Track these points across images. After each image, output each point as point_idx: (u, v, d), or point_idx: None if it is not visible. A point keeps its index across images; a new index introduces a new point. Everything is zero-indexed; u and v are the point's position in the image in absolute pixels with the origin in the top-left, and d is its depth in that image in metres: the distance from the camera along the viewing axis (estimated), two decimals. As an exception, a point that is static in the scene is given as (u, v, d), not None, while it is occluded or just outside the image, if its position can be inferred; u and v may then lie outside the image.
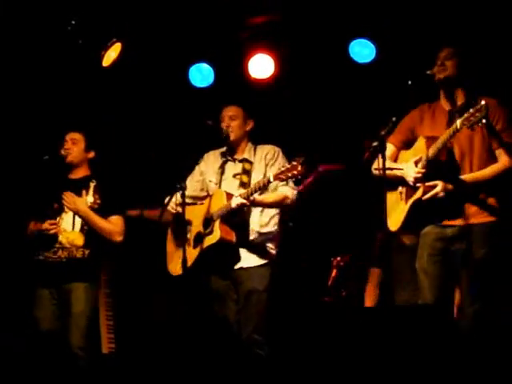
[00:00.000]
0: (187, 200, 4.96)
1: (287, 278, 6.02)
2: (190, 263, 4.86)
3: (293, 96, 6.82)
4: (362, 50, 6.49)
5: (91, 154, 5.33)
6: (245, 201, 4.87)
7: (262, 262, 5.04)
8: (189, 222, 5.06)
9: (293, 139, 6.59)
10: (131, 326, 6.11)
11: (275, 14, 6.54)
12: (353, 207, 6.47)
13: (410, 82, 4.48)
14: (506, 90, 5.26)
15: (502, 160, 4.48)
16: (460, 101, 4.56)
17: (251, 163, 5.15)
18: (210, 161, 5.29)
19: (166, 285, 5.36)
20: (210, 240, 4.95)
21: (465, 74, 4.55)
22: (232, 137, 5.16)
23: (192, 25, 6.48)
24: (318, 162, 6.37)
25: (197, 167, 5.28)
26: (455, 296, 4.70)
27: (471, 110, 4.25)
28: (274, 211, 5.13)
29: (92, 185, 5.28)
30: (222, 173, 5.19)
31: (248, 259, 5.02)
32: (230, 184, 5.13)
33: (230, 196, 4.95)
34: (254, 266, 5.02)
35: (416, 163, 4.51)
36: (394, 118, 4.42)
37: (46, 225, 5.14)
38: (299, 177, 4.74)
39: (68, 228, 5.20)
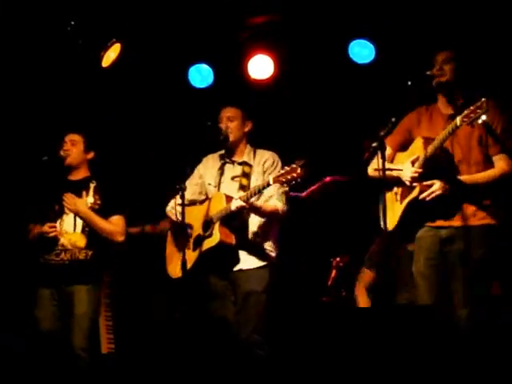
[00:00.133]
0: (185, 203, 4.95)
1: (287, 278, 6.02)
2: (189, 265, 4.87)
3: (292, 97, 6.82)
4: (362, 51, 6.49)
5: (90, 155, 5.33)
6: (244, 204, 4.87)
7: (261, 263, 5.04)
8: (188, 225, 5.05)
9: (292, 140, 6.60)
10: (131, 326, 6.11)
11: (275, 15, 6.54)
12: (352, 207, 6.47)
13: (409, 83, 4.47)
14: (504, 93, 5.27)
15: (499, 166, 4.49)
16: (458, 105, 4.56)
17: (251, 166, 5.15)
18: (209, 164, 5.29)
19: (165, 285, 5.36)
20: (209, 243, 4.95)
21: (463, 78, 4.56)
22: (231, 138, 5.15)
23: (191, 25, 6.48)
24: (323, 171, 6.38)
25: (195, 170, 5.28)
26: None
27: (471, 107, 4.25)
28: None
29: (92, 186, 5.28)
30: (222, 174, 5.19)
31: (247, 261, 5.02)
32: (229, 186, 5.12)
33: (229, 199, 4.95)
34: (253, 268, 5.01)
35: (413, 163, 4.52)
36: (393, 119, 4.42)
37: (45, 228, 5.14)
38: (298, 180, 4.72)
39: (69, 229, 5.19)
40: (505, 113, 4.52)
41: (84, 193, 5.24)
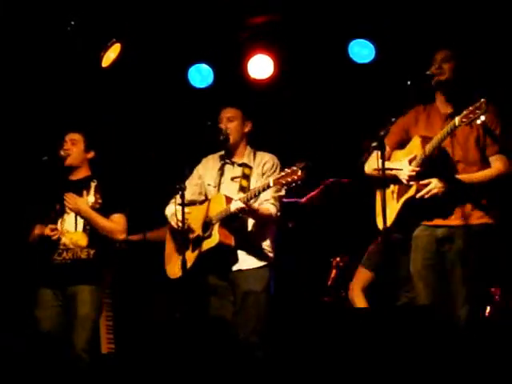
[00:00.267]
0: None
1: (287, 278, 6.01)
2: (188, 266, 4.87)
3: (292, 96, 6.82)
4: (362, 51, 6.49)
5: (91, 154, 5.33)
6: (244, 205, 4.87)
7: (260, 263, 5.03)
8: (189, 227, 5.04)
9: (292, 140, 6.60)
10: (131, 326, 6.11)
11: (275, 14, 6.54)
12: (352, 207, 6.47)
13: (409, 83, 4.47)
14: (503, 93, 5.27)
15: (496, 166, 4.49)
16: (457, 104, 4.56)
17: (251, 168, 5.14)
18: (209, 164, 5.28)
19: (165, 285, 5.36)
20: (208, 243, 4.95)
21: (462, 77, 4.56)
22: (231, 139, 5.15)
23: (191, 25, 6.48)
24: (323, 172, 6.38)
25: (195, 171, 5.28)
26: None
27: (470, 108, 4.25)
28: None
29: (93, 185, 5.28)
30: (222, 175, 5.19)
31: (246, 261, 5.02)
32: (229, 187, 5.12)
33: (229, 200, 4.95)
34: (252, 268, 5.01)
35: (410, 162, 4.51)
36: (393, 119, 4.42)
37: (47, 231, 5.13)
38: (298, 182, 4.71)
39: (71, 229, 5.19)
40: (503, 114, 4.52)
41: (85, 192, 5.25)
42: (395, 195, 4.64)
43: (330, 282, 6.45)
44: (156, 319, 6.15)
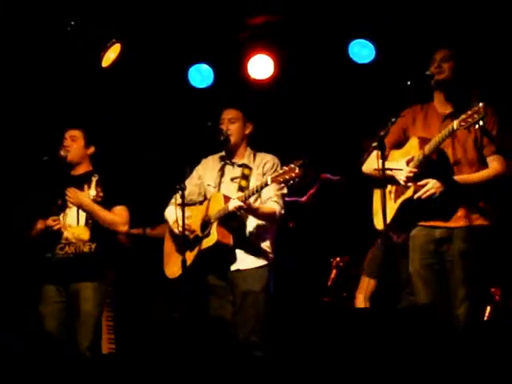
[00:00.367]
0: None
1: (287, 278, 6.02)
2: (187, 265, 4.86)
3: (292, 97, 6.82)
4: (362, 51, 6.50)
5: (91, 150, 5.35)
6: (242, 203, 4.87)
7: (259, 263, 5.03)
8: (189, 229, 5.04)
9: (292, 140, 6.60)
10: (130, 326, 6.11)
11: (275, 15, 6.54)
12: (352, 207, 6.47)
13: (409, 83, 4.47)
14: (502, 93, 5.27)
15: (493, 166, 4.49)
16: (455, 104, 4.56)
17: (250, 169, 5.14)
18: (209, 165, 5.28)
19: (165, 285, 5.36)
20: (206, 242, 4.95)
21: (462, 77, 4.56)
22: (232, 140, 5.15)
23: (191, 25, 6.48)
24: (317, 169, 6.39)
25: (194, 171, 5.28)
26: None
27: (469, 112, 4.25)
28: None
29: (94, 179, 5.30)
30: (222, 176, 5.19)
31: (244, 261, 5.02)
32: (229, 187, 5.12)
33: (227, 199, 4.95)
34: (251, 268, 5.01)
35: (407, 163, 4.51)
36: (393, 119, 4.42)
37: (49, 221, 5.16)
38: (296, 180, 4.71)
39: (73, 223, 5.20)
40: (501, 114, 4.52)
41: (86, 186, 5.27)
42: (392, 195, 4.64)
43: (330, 282, 6.45)
44: (156, 319, 6.15)
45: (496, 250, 4.60)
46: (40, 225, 5.23)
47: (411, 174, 4.46)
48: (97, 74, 6.61)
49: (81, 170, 5.34)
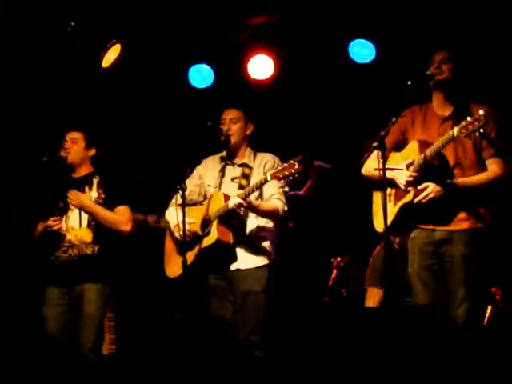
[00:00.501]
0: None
1: (287, 278, 6.02)
2: (188, 264, 4.86)
3: (292, 96, 6.82)
4: (362, 51, 6.50)
5: (92, 152, 5.34)
6: (242, 201, 4.87)
7: (260, 263, 5.04)
8: (189, 232, 5.03)
9: (292, 140, 6.60)
10: (131, 326, 6.11)
11: (275, 15, 6.54)
12: (353, 207, 6.47)
13: (409, 83, 4.47)
14: (501, 94, 5.27)
15: (493, 169, 4.48)
16: (454, 105, 4.56)
17: (251, 168, 5.15)
18: (209, 165, 5.28)
19: (165, 285, 5.36)
20: (207, 241, 4.95)
21: (461, 78, 4.55)
22: (233, 140, 5.15)
23: (191, 25, 6.48)
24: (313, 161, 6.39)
25: (195, 171, 5.28)
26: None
27: (469, 119, 4.24)
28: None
29: (95, 180, 5.29)
30: (223, 176, 5.19)
31: (245, 260, 5.02)
32: (229, 187, 5.12)
33: (227, 197, 4.95)
34: (252, 268, 5.01)
35: (407, 167, 4.50)
36: (393, 119, 4.41)
37: (49, 222, 5.15)
38: (296, 175, 4.71)
39: (75, 225, 5.20)
40: (496, 118, 4.52)
41: (87, 188, 5.26)
42: (392, 198, 4.62)
43: (330, 282, 6.45)
44: (155, 319, 6.15)
45: (497, 251, 4.60)
46: (41, 227, 5.23)
47: (411, 179, 4.45)
48: (97, 75, 6.61)
49: (82, 172, 5.33)
